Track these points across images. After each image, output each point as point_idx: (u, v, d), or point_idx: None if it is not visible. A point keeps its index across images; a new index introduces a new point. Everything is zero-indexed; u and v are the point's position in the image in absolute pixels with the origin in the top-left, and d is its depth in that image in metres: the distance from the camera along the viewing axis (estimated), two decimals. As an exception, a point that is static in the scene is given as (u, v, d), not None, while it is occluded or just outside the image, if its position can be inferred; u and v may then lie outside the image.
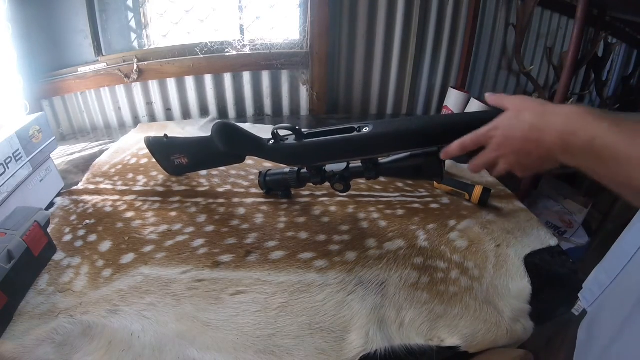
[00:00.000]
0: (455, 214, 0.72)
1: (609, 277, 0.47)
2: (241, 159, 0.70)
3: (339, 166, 0.64)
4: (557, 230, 1.21)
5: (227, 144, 0.63)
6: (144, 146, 0.94)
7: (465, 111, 1.27)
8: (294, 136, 0.61)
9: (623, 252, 0.46)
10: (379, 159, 0.61)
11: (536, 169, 0.44)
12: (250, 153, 0.65)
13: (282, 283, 0.56)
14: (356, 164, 0.63)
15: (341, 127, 0.58)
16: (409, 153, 0.58)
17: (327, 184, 0.66)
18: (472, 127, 0.48)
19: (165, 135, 0.73)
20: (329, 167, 0.65)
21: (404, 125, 0.54)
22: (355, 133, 0.56)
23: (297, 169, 0.68)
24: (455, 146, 0.49)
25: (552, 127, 0.39)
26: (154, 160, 0.88)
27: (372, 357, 0.48)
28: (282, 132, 0.62)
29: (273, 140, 0.63)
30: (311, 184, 0.68)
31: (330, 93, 1.28)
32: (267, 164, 0.79)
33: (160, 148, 0.76)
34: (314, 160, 0.61)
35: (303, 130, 0.61)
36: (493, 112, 0.47)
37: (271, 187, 0.73)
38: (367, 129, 0.55)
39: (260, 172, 0.74)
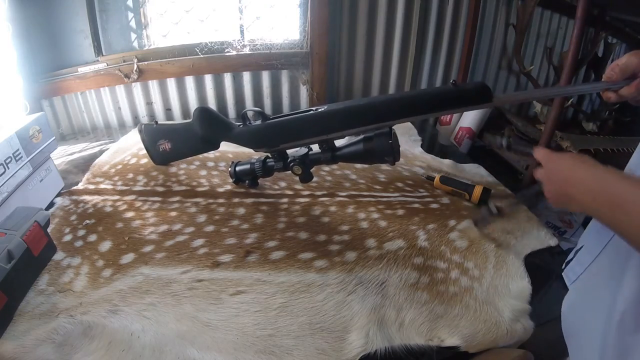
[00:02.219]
0: (455, 214, 0.72)
1: (592, 256, 0.49)
2: (216, 146, 0.73)
3: (300, 152, 0.68)
4: (557, 230, 1.21)
5: (204, 126, 0.69)
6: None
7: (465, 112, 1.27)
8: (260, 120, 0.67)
9: (604, 232, 0.48)
10: (335, 143, 0.66)
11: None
12: (223, 137, 0.70)
13: (282, 283, 0.56)
14: (315, 151, 0.67)
15: (301, 110, 0.64)
16: (361, 136, 0.63)
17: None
18: (415, 104, 0.56)
19: (156, 122, 0.77)
20: (291, 154, 0.70)
21: (353, 102, 0.61)
22: (311, 112, 0.62)
23: (263, 158, 0.73)
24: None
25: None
26: (154, 160, 0.88)
27: (372, 357, 0.48)
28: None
29: (242, 125, 0.69)
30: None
31: (330, 93, 1.28)
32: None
33: (150, 134, 0.80)
34: (276, 140, 0.66)
35: (269, 115, 0.68)
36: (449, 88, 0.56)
37: (240, 176, 0.77)
38: (322, 109, 0.62)
39: (232, 162, 0.78)
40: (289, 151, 0.70)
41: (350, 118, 0.60)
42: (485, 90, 0.55)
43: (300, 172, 0.68)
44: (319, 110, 0.62)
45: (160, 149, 0.79)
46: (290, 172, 0.69)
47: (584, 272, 0.50)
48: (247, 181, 0.77)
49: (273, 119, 0.66)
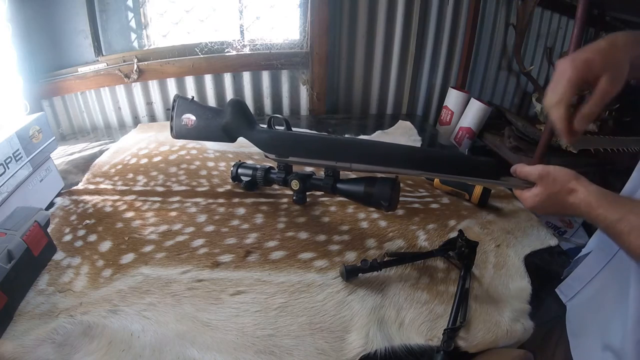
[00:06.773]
0: (455, 214, 0.72)
1: (591, 273, 0.48)
2: (233, 139, 0.73)
3: (304, 173, 0.70)
4: (557, 230, 1.21)
5: (232, 115, 0.70)
6: (144, 146, 0.94)
7: (466, 111, 1.27)
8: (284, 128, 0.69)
9: (604, 250, 0.48)
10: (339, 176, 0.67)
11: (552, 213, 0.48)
12: (243, 132, 0.70)
13: (282, 283, 0.56)
14: (318, 177, 0.68)
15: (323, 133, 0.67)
16: (366, 177, 0.63)
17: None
18: (427, 161, 0.57)
19: (192, 97, 0.78)
20: (294, 171, 0.71)
21: (371, 141, 0.63)
22: (329, 135, 0.65)
23: (267, 167, 0.75)
24: (521, 168, 0.51)
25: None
26: (154, 160, 0.88)
27: (372, 357, 0.48)
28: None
29: (266, 127, 0.70)
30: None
31: (330, 93, 1.28)
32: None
33: (182, 105, 0.79)
34: (287, 150, 0.67)
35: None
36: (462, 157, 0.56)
37: (240, 178, 0.78)
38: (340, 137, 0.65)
39: (238, 160, 0.79)
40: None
41: (361, 153, 0.61)
42: (492, 169, 0.56)
43: (297, 188, 0.68)
44: (337, 137, 0.64)
45: (183, 122, 0.78)
46: (287, 188, 0.70)
47: (585, 287, 0.50)
48: (243, 182, 0.77)
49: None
